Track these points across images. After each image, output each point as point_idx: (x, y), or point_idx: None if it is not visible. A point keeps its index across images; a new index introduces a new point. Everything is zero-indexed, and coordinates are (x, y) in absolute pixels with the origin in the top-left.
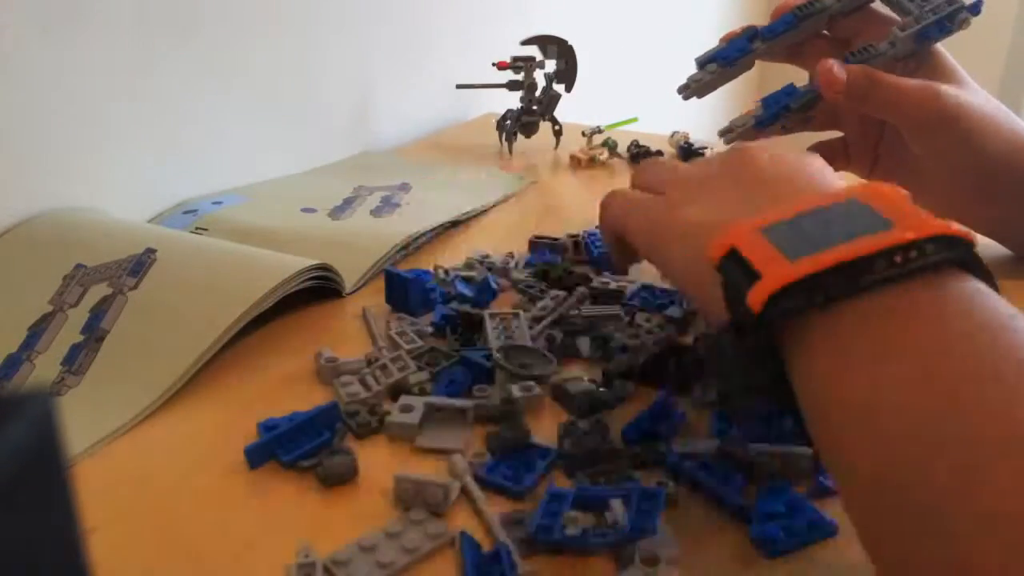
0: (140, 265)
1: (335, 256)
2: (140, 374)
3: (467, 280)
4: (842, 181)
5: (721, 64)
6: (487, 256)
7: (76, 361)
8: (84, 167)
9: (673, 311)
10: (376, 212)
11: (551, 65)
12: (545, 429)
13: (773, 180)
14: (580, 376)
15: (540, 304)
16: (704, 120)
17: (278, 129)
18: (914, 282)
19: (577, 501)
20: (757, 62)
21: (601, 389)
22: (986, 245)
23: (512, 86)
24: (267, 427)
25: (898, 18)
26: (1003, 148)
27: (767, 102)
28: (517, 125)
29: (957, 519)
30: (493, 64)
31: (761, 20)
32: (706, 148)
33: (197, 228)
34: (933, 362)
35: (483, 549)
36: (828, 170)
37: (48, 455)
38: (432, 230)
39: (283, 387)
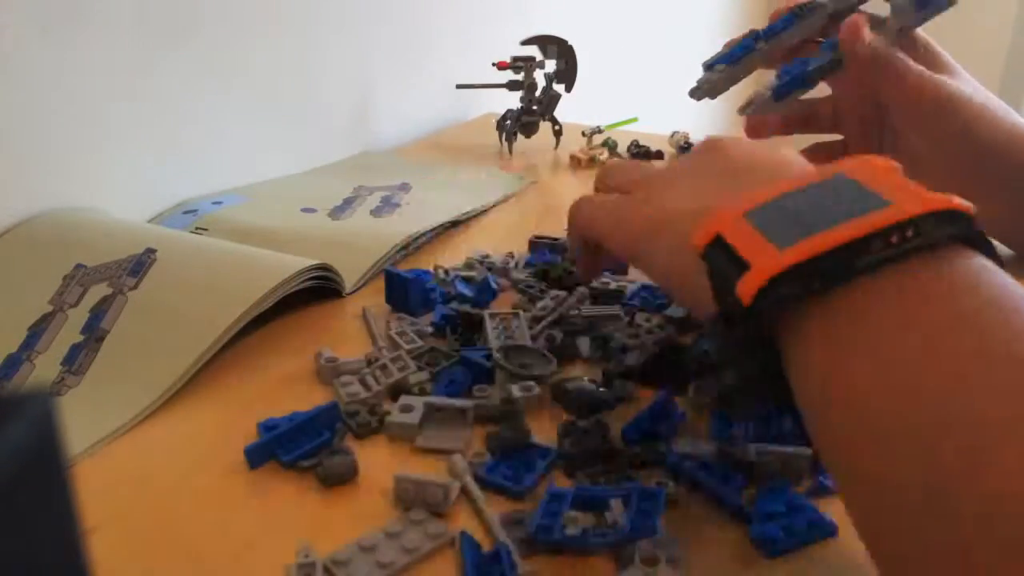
0: (140, 265)
1: (335, 256)
2: (140, 374)
3: (467, 280)
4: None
5: (727, 64)
6: (487, 256)
7: (76, 361)
8: (84, 167)
9: (673, 311)
10: (376, 212)
11: (551, 65)
12: (545, 429)
13: (749, 167)
14: (580, 376)
15: (540, 304)
16: (704, 120)
17: (278, 129)
18: (914, 261)
19: (577, 501)
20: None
21: (601, 389)
22: None
23: (512, 86)
24: (267, 427)
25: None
26: (1001, 139)
27: (784, 72)
28: (517, 125)
29: (963, 500)
30: (493, 64)
31: (761, 21)
32: None
33: (197, 228)
34: (938, 341)
35: (483, 549)
36: (802, 159)
37: (48, 455)
38: (432, 230)
39: (283, 387)
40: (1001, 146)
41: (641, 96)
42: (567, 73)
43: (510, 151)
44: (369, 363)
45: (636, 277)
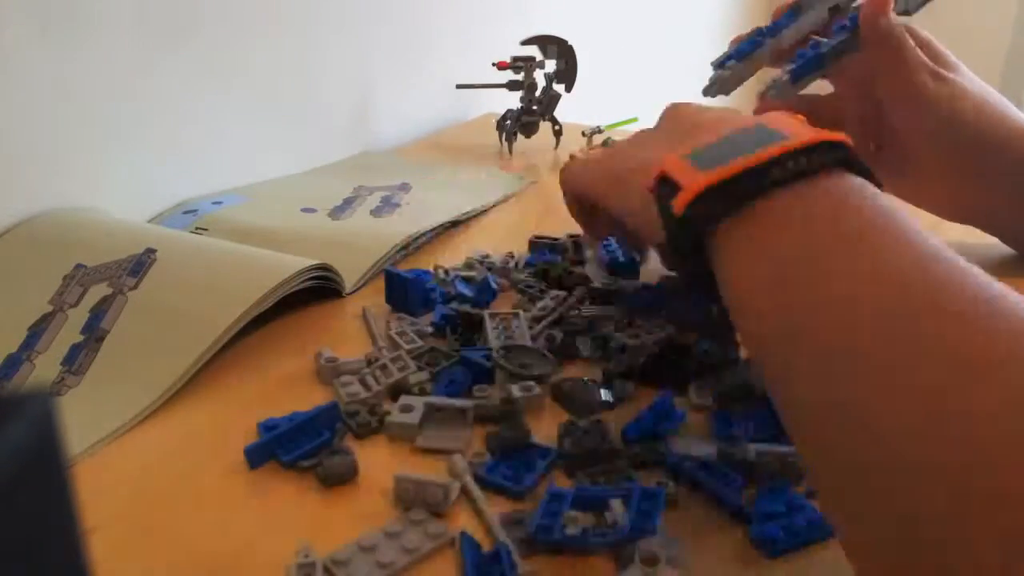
0: (140, 265)
1: (335, 256)
2: (140, 374)
3: (467, 280)
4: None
5: (736, 60)
6: (487, 256)
7: (76, 361)
8: (84, 167)
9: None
10: (376, 212)
11: (551, 65)
12: (545, 429)
13: (698, 124)
14: (580, 376)
15: (540, 304)
16: None
17: (278, 129)
18: (805, 184)
19: (577, 501)
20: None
21: (601, 389)
22: (990, 245)
23: (512, 86)
24: (267, 427)
25: None
26: (1000, 133)
27: (800, 55)
28: (517, 125)
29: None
30: (493, 64)
31: (761, 21)
32: None
33: (197, 228)
34: (818, 249)
35: (483, 549)
36: (741, 114)
37: (48, 455)
38: (432, 230)
39: (283, 387)
40: (999, 140)
41: (641, 96)
42: (567, 73)
43: (510, 151)
44: (369, 363)
45: (635, 277)
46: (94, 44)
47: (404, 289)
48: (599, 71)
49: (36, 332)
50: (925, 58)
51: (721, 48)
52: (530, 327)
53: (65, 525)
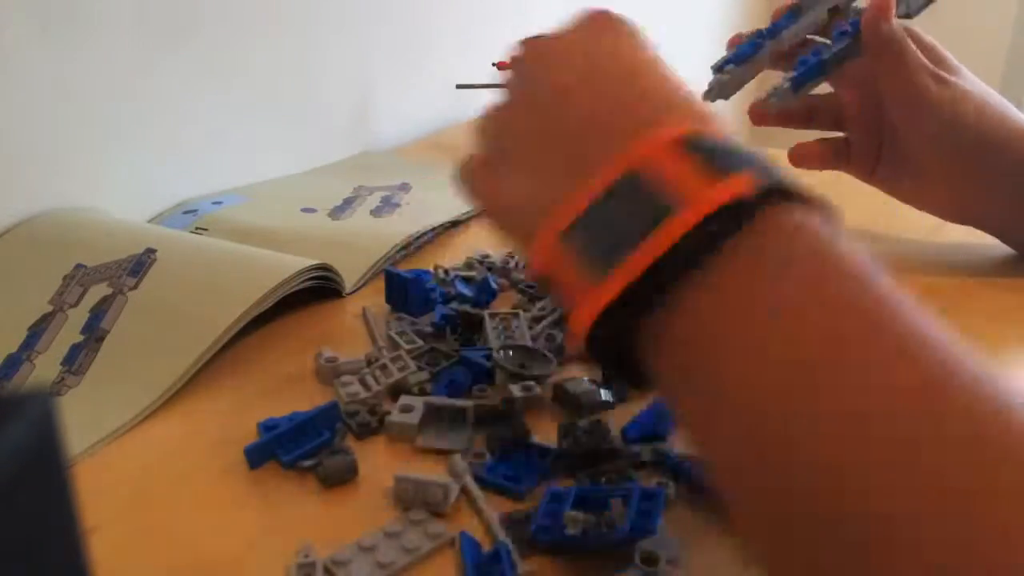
0: (140, 265)
1: (335, 256)
2: (140, 374)
3: (467, 280)
4: (662, 110)
5: (735, 64)
6: (487, 256)
7: (76, 361)
8: (84, 167)
9: None
10: (376, 212)
11: None
12: (545, 429)
13: (581, 133)
14: (580, 376)
15: (540, 304)
16: None
17: (278, 129)
18: (718, 258)
19: (577, 501)
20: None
21: (601, 389)
22: (989, 246)
23: None
24: (267, 427)
25: None
26: (1000, 135)
27: (801, 62)
28: None
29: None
30: (493, 64)
31: (761, 21)
32: None
33: (197, 228)
34: (745, 332)
35: (483, 549)
36: (656, 84)
37: (48, 455)
38: (432, 230)
39: (283, 387)
40: (1000, 142)
41: None
42: None
43: None
44: (369, 363)
45: None
46: (94, 44)
47: (404, 289)
48: None
49: (36, 332)
50: (927, 61)
51: (721, 48)
52: (530, 327)
53: (65, 525)
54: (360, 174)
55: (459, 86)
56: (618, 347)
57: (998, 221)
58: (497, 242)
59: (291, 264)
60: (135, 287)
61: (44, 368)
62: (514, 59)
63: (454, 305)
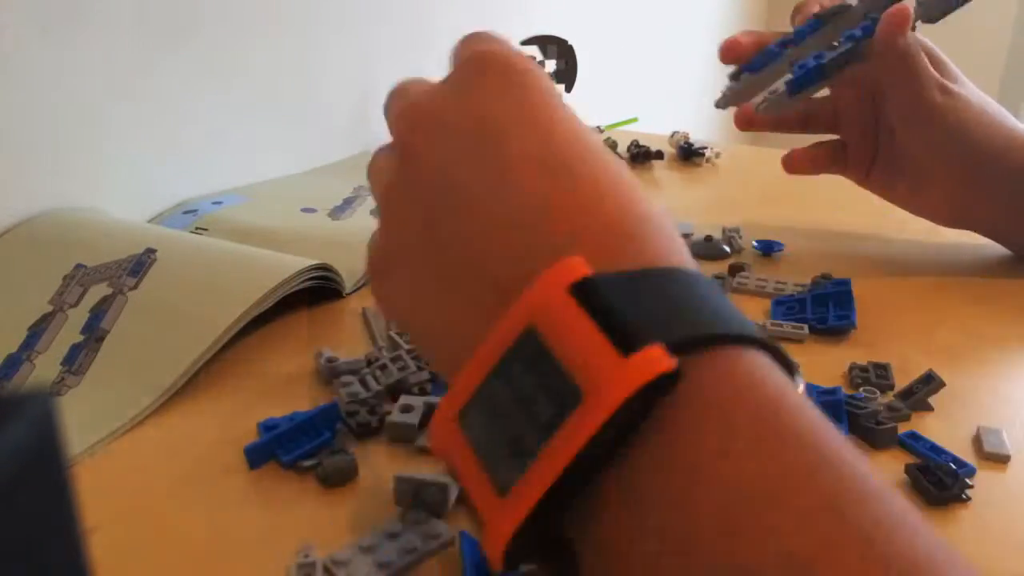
0: (140, 265)
1: (335, 256)
2: (140, 374)
3: None
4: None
5: (750, 73)
6: None
7: (76, 361)
8: (84, 167)
9: None
10: (376, 212)
11: (551, 65)
12: None
13: (469, 258)
14: None
15: None
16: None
17: (278, 129)
18: (636, 446)
19: None
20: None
21: None
22: (989, 246)
23: None
24: (267, 427)
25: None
26: (999, 143)
27: (799, 66)
28: None
29: None
30: None
31: (761, 21)
32: (706, 148)
33: (197, 228)
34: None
35: (483, 549)
36: (568, 180)
37: (48, 455)
38: None
39: (283, 387)
40: (999, 150)
41: (641, 96)
42: (567, 73)
43: None
44: (369, 363)
45: None
46: (94, 44)
47: None
48: (599, 71)
49: (36, 332)
50: (935, 73)
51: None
52: None
53: (65, 525)
54: (360, 174)
55: None
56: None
57: (992, 225)
58: None
59: (291, 264)
60: (135, 287)
61: (44, 368)
62: (388, 122)
63: None
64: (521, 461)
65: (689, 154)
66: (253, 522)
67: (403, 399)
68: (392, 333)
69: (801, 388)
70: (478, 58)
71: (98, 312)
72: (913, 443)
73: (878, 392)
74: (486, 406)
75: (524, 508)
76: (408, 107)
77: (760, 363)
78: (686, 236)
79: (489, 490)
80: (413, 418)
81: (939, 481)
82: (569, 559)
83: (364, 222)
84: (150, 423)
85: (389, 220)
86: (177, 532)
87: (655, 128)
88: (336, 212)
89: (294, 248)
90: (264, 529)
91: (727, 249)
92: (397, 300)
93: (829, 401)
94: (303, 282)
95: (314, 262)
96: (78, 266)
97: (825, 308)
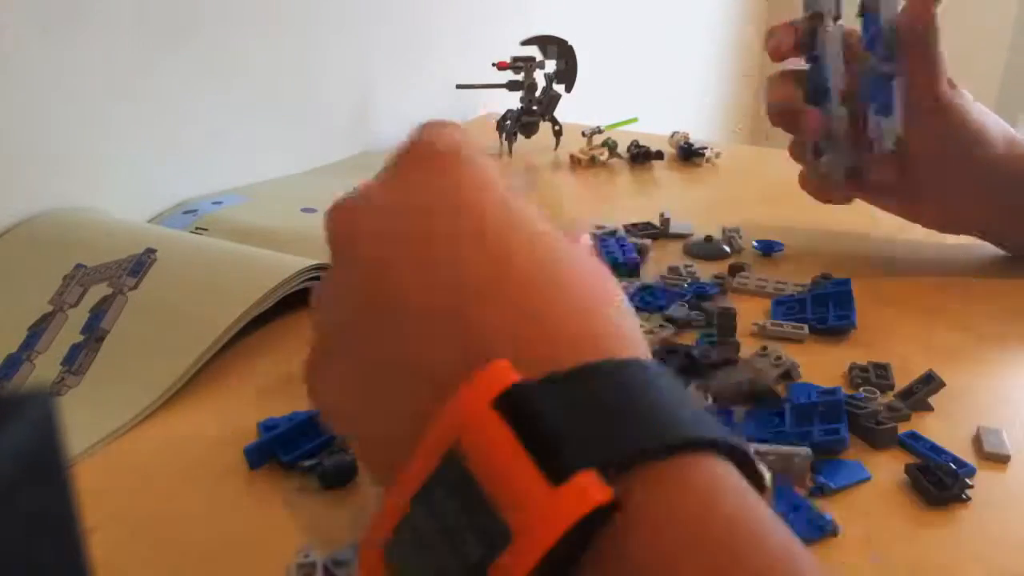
0: (140, 265)
1: None
2: (140, 374)
3: None
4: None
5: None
6: None
7: (76, 361)
8: (84, 167)
9: (673, 311)
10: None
11: (551, 65)
12: None
13: (396, 362)
14: None
15: None
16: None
17: (278, 129)
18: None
19: None
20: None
21: None
22: (984, 245)
23: (512, 86)
24: (267, 427)
25: None
26: (1000, 150)
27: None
28: (517, 125)
29: None
30: (493, 64)
31: (761, 21)
32: (706, 148)
33: (197, 228)
34: None
35: None
36: (501, 280)
37: (48, 455)
38: None
39: (283, 387)
40: (996, 149)
41: (641, 96)
42: (567, 73)
43: (510, 151)
44: None
45: (636, 277)
46: (94, 44)
47: None
48: (599, 71)
49: (36, 332)
50: (947, 67)
51: (721, 48)
52: None
53: (65, 525)
54: (360, 174)
55: (459, 86)
56: None
57: (993, 229)
58: None
59: (291, 264)
60: (135, 287)
61: (44, 368)
62: (325, 229)
63: None
64: None
65: (689, 154)
66: (253, 522)
67: None
68: None
69: (766, 491)
70: (408, 149)
71: (98, 312)
72: (913, 443)
73: (878, 392)
74: (411, 537)
75: None
76: (340, 208)
77: (716, 474)
78: (686, 236)
79: None
80: None
81: (939, 481)
82: None
83: None
84: (150, 423)
85: (321, 320)
86: (177, 532)
87: (655, 128)
88: None
89: (294, 248)
90: (264, 529)
91: (727, 249)
92: (328, 396)
93: (829, 401)
94: (303, 282)
95: (314, 262)
96: (78, 266)
97: (825, 308)
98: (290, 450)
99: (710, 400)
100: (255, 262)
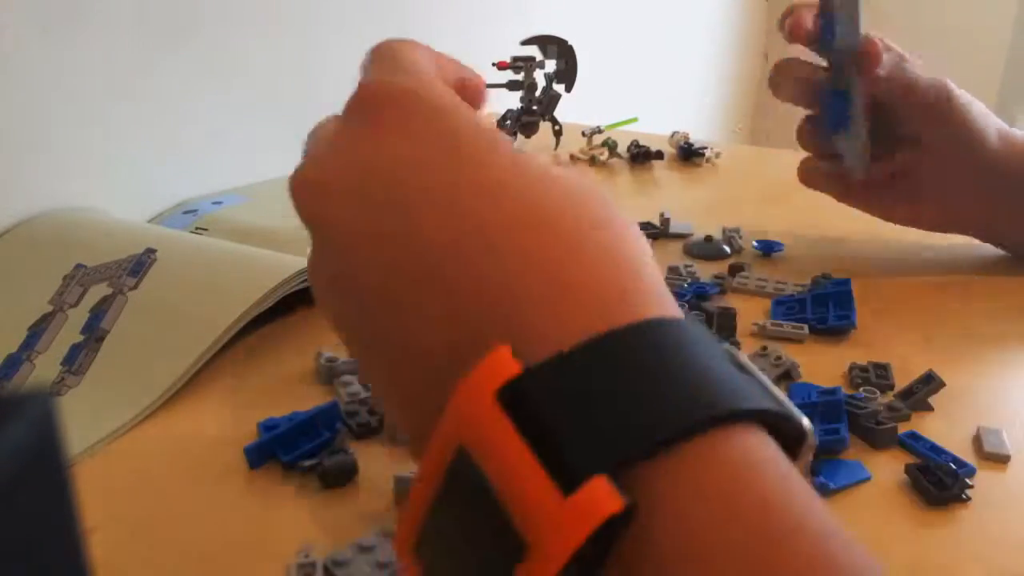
0: (140, 265)
1: None
2: (140, 374)
3: None
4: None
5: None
6: None
7: (76, 361)
8: (84, 167)
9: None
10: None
11: (551, 65)
12: None
13: (393, 357)
14: None
15: None
16: (704, 120)
17: (278, 129)
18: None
19: None
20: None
21: None
22: (984, 245)
23: (512, 86)
24: (267, 427)
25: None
26: (1001, 151)
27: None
28: (517, 125)
29: None
30: (493, 64)
31: (761, 21)
32: (706, 148)
33: (197, 228)
34: None
35: None
36: (480, 251)
37: (48, 455)
38: None
39: (283, 387)
40: (1004, 157)
41: (641, 96)
42: (567, 73)
43: None
44: None
45: None
46: (94, 44)
47: None
48: (599, 71)
49: (36, 332)
50: (924, 77)
51: (721, 48)
52: None
53: (65, 525)
54: None
55: None
56: None
57: (994, 230)
58: None
59: (291, 264)
60: (135, 287)
61: (44, 368)
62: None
63: None
64: None
65: (689, 154)
66: (253, 522)
67: None
68: None
69: (810, 455)
70: (369, 95)
71: (98, 312)
72: (913, 443)
73: (878, 392)
74: (436, 539)
75: None
76: (302, 181)
77: (748, 447)
78: (686, 236)
79: None
80: None
81: (939, 481)
82: None
83: None
84: (150, 423)
85: (325, 308)
86: (177, 532)
87: (655, 128)
88: None
89: (294, 248)
90: (264, 529)
91: (727, 249)
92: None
93: (829, 401)
94: (303, 282)
95: None
96: (78, 266)
97: (825, 308)
98: (290, 450)
99: None
100: (255, 262)
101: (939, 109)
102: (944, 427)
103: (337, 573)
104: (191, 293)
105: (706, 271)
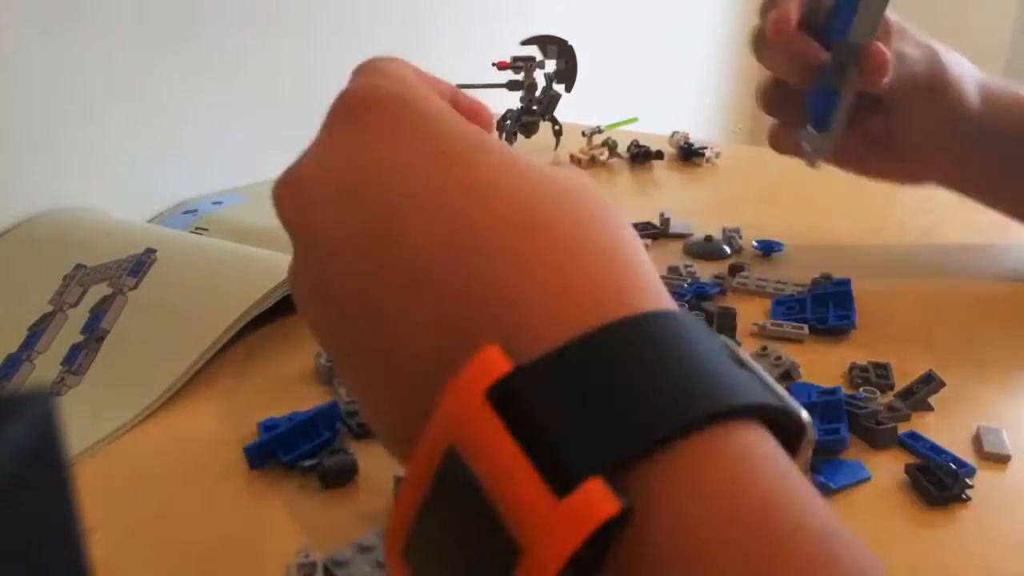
0: (140, 265)
1: None
2: (140, 374)
3: None
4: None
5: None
6: None
7: (76, 361)
8: (84, 167)
9: None
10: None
11: (551, 65)
12: None
13: (373, 362)
14: None
15: None
16: (704, 120)
17: (278, 129)
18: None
19: None
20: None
21: None
22: (984, 246)
23: (512, 86)
24: (267, 427)
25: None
26: (981, 112)
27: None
28: (517, 125)
29: None
30: (493, 64)
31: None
32: (706, 148)
33: (197, 228)
34: None
35: None
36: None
37: (48, 455)
38: None
39: (283, 387)
40: (999, 121)
41: (641, 96)
42: (567, 73)
43: None
44: None
45: None
46: (94, 44)
47: None
48: (599, 71)
49: (36, 332)
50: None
51: (721, 48)
52: None
53: (65, 525)
54: None
55: (459, 86)
56: None
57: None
58: None
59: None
60: (135, 287)
61: (44, 368)
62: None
63: None
64: None
65: (689, 154)
66: (253, 522)
67: None
68: None
69: (810, 450)
70: (355, 100)
71: (98, 312)
72: (913, 443)
73: (878, 392)
74: (425, 542)
75: None
76: (286, 185)
77: (747, 443)
78: (686, 236)
79: None
80: None
81: (939, 481)
82: None
83: None
84: (150, 423)
85: (306, 316)
86: (177, 532)
87: (655, 128)
88: None
89: None
90: (264, 529)
91: (727, 249)
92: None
93: (829, 401)
94: None
95: None
96: (78, 266)
97: (825, 308)
98: (290, 450)
99: None
100: (255, 262)
101: (930, 91)
102: (944, 427)
103: (337, 573)
104: (191, 293)
105: (706, 271)
